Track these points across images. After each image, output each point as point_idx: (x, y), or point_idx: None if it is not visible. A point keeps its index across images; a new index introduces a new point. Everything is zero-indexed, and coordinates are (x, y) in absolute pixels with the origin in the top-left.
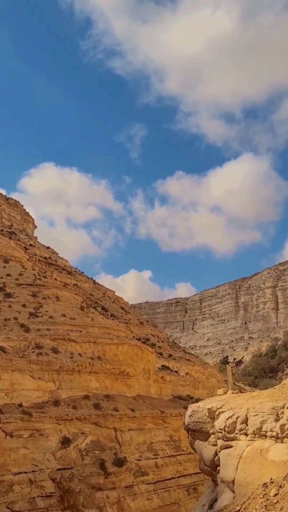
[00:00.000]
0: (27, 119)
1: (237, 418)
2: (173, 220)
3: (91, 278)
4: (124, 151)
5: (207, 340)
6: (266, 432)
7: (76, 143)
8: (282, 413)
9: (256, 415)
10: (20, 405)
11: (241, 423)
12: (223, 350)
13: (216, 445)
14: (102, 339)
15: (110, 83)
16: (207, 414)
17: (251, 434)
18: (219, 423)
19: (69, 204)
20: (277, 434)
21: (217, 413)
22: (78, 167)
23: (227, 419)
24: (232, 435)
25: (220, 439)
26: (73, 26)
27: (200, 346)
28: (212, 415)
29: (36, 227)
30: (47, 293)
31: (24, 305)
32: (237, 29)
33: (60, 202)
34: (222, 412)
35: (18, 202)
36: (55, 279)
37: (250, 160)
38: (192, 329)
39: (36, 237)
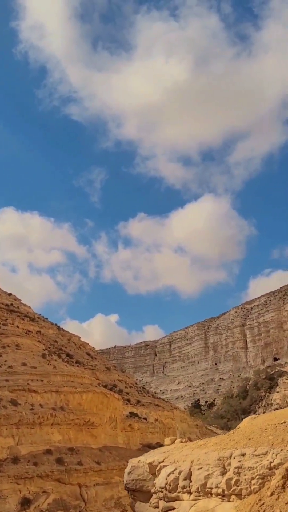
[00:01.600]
0: None
1: (180, 473)
2: (138, 262)
3: (56, 324)
4: (84, 195)
5: (178, 383)
6: (212, 488)
7: (36, 188)
8: (229, 464)
9: (201, 468)
10: None
11: (184, 479)
12: (194, 393)
13: (158, 507)
14: (65, 388)
15: (68, 129)
16: (148, 470)
17: (195, 492)
18: (160, 480)
19: (31, 249)
20: (223, 490)
21: (158, 468)
22: (40, 211)
23: (168, 475)
24: (174, 495)
25: (161, 499)
26: (28, 75)
27: (171, 390)
28: (153, 470)
29: None
30: (7, 341)
31: None
32: (190, 76)
33: (21, 247)
34: (164, 466)
35: None
36: (17, 326)
37: (211, 201)
38: (163, 372)
39: None
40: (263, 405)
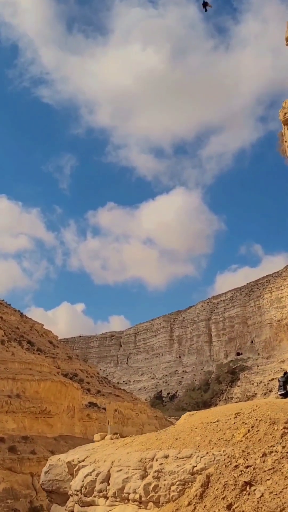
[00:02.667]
0: None
1: (98, 475)
2: (106, 252)
3: (19, 311)
4: (53, 181)
5: (141, 374)
6: (129, 494)
7: (3, 170)
8: (151, 467)
9: (120, 470)
10: None
11: (102, 482)
12: (157, 385)
13: None
14: (22, 375)
15: (38, 112)
16: (67, 470)
17: (112, 496)
18: (76, 482)
19: None
20: (140, 497)
21: (76, 468)
22: (8, 194)
23: (85, 476)
24: (89, 499)
25: (77, 503)
26: None
27: (134, 380)
28: (72, 470)
29: None
30: None
31: None
32: (167, 67)
33: None
34: (83, 466)
35: None
36: None
37: (182, 194)
38: (127, 363)
39: None
40: (224, 398)
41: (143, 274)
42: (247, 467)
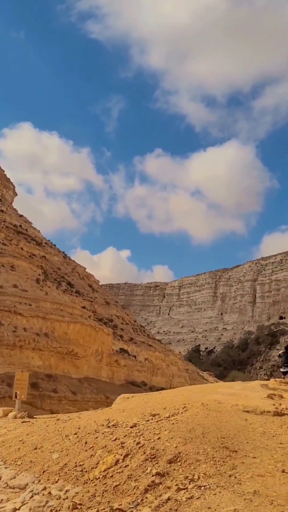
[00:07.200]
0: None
1: None
2: (152, 201)
3: (62, 252)
4: (99, 124)
5: (182, 327)
6: None
7: (53, 107)
8: None
9: None
10: None
11: None
12: (196, 339)
13: None
14: (52, 315)
15: (86, 49)
16: None
17: None
18: None
19: (47, 171)
20: None
21: None
22: (59, 131)
23: None
24: None
25: None
26: None
27: (174, 332)
28: None
29: (16, 194)
30: (2, 261)
31: None
32: (229, 5)
33: (37, 168)
34: None
35: None
36: (22, 248)
37: (235, 148)
38: (168, 314)
39: (11, 204)
40: (261, 359)
41: (189, 226)
42: None
